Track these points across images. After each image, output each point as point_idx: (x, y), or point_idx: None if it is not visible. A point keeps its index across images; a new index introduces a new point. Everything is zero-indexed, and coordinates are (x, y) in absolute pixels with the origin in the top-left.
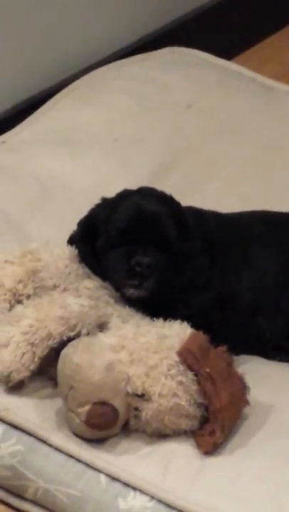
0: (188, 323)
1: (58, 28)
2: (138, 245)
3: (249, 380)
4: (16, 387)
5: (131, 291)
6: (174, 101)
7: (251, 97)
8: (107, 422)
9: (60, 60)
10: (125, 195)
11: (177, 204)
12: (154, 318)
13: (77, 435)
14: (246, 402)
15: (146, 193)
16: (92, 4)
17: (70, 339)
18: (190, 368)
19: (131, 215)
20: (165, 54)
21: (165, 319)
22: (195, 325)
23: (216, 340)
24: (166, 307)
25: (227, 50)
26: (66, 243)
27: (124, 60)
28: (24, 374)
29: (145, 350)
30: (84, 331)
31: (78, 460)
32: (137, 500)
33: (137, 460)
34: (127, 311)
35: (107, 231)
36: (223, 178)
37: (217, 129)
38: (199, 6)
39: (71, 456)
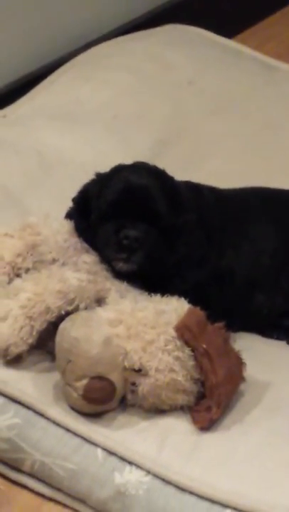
0: (185, 298)
1: (60, 4)
2: (127, 219)
3: (246, 356)
4: (14, 361)
5: (120, 265)
6: (175, 78)
7: (252, 76)
8: (105, 396)
9: (61, 35)
10: (118, 169)
11: (169, 178)
12: (152, 294)
13: (74, 409)
14: (242, 379)
15: (138, 168)
16: None
17: (68, 313)
18: (187, 343)
19: (120, 189)
20: (166, 31)
21: (162, 295)
22: (192, 300)
23: (213, 316)
24: (162, 282)
25: (228, 29)
26: (64, 218)
27: (125, 37)
28: (22, 348)
29: (143, 325)
30: (82, 306)
31: (75, 434)
32: (133, 474)
33: (133, 435)
34: (125, 286)
35: (98, 205)
36: (222, 155)
37: (217, 107)
38: None
39: (68, 430)
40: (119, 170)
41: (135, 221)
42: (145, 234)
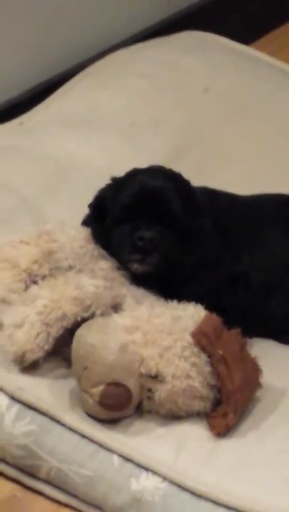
0: (201, 304)
1: (76, 11)
2: (142, 221)
3: (262, 363)
4: (31, 368)
5: (135, 266)
6: (191, 84)
7: (268, 82)
8: (121, 402)
9: (78, 43)
10: (133, 173)
11: (185, 181)
12: (168, 300)
13: (90, 415)
14: (259, 385)
15: (153, 171)
16: None
17: (84, 320)
18: (203, 349)
19: (135, 192)
20: (182, 38)
21: (179, 300)
22: (208, 306)
23: (229, 322)
24: (177, 286)
25: (244, 35)
26: (81, 224)
27: (141, 44)
28: (38, 354)
29: (159, 332)
30: (98, 312)
31: (91, 440)
32: (149, 480)
33: (150, 441)
34: (141, 292)
35: (113, 208)
36: (238, 161)
37: (233, 113)
38: None
39: (84, 437)
40: (134, 173)
41: (150, 223)
42: (160, 235)
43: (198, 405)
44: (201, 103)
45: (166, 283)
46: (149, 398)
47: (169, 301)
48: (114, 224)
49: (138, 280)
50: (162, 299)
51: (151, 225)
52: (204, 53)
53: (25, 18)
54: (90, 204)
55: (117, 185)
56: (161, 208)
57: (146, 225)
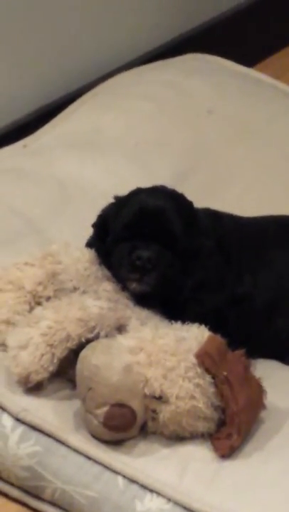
0: (205, 325)
1: (80, 34)
2: (142, 240)
3: (266, 384)
4: (35, 389)
5: (133, 286)
6: (195, 107)
7: (271, 104)
8: (125, 423)
9: (82, 65)
10: (135, 192)
11: (187, 202)
12: (172, 321)
13: (95, 437)
14: (263, 406)
15: (155, 190)
16: (114, 10)
17: (88, 341)
18: (207, 370)
19: (136, 210)
20: (186, 60)
21: (183, 321)
22: (211, 327)
23: (233, 343)
24: (179, 306)
25: (248, 58)
26: (85, 246)
27: (145, 66)
28: (43, 375)
29: (163, 353)
30: (103, 333)
31: (96, 461)
32: (154, 502)
33: (154, 462)
34: (145, 313)
35: (114, 227)
36: (243, 183)
37: (237, 135)
38: (221, 13)
39: (89, 458)
40: (137, 192)
41: (149, 242)
42: (158, 255)
43: (202, 426)
44: (204, 125)
45: (168, 303)
46: (154, 419)
47: (173, 322)
48: (114, 242)
49: (140, 300)
50: (166, 320)
51: (150, 245)
52: (208, 76)
53: (30, 40)
54: (94, 224)
55: (119, 204)
56: (161, 227)
57: (145, 244)
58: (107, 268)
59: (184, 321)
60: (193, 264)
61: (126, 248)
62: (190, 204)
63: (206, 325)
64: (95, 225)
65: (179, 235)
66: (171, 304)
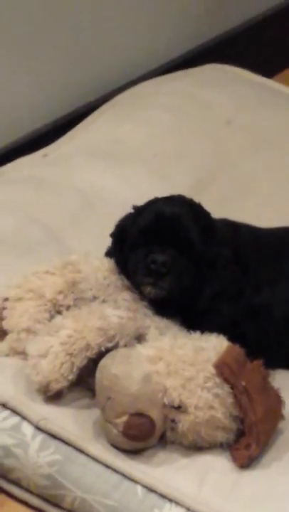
0: (224, 335)
1: (99, 44)
2: (157, 245)
3: (285, 394)
4: (55, 397)
5: (148, 290)
6: (214, 117)
7: None
8: (144, 433)
9: (101, 75)
10: (153, 201)
11: (203, 211)
12: (191, 331)
13: (114, 446)
14: (282, 417)
15: (172, 199)
16: (132, 20)
17: (108, 350)
18: (226, 380)
19: (152, 217)
20: (205, 71)
21: (201, 331)
22: (230, 337)
23: (251, 353)
24: (198, 316)
25: (267, 68)
26: (104, 256)
27: (164, 76)
28: (62, 384)
29: (182, 363)
30: (122, 343)
31: (115, 470)
32: (172, 511)
33: (173, 472)
34: (164, 323)
35: (131, 234)
36: (262, 194)
37: (256, 146)
38: (240, 23)
39: (108, 467)
40: (153, 201)
41: (165, 247)
42: (173, 259)
43: (221, 436)
44: (223, 136)
45: (187, 312)
46: (173, 429)
47: (192, 332)
48: (131, 249)
49: (158, 309)
50: (185, 330)
51: (166, 249)
52: (227, 86)
53: (50, 51)
54: (112, 233)
55: (136, 213)
56: (176, 232)
57: (161, 248)
58: (125, 277)
59: (202, 331)
60: (210, 274)
61: (141, 253)
62: (207, 213)
63: (225, 335)
64: (113, 235)
65: (194, 241)
66: (189, 314)
